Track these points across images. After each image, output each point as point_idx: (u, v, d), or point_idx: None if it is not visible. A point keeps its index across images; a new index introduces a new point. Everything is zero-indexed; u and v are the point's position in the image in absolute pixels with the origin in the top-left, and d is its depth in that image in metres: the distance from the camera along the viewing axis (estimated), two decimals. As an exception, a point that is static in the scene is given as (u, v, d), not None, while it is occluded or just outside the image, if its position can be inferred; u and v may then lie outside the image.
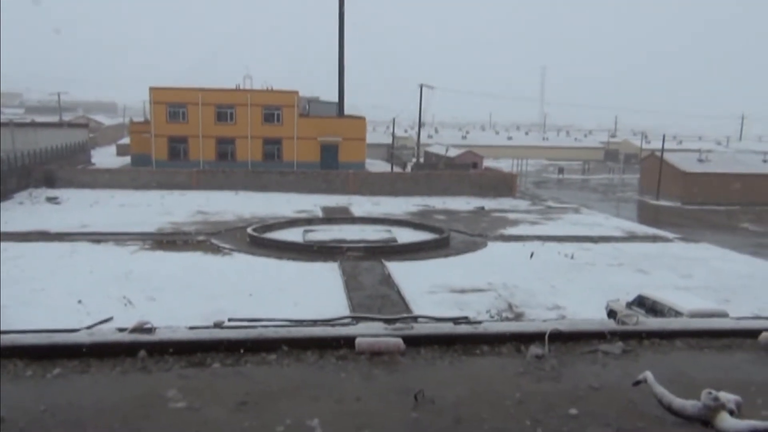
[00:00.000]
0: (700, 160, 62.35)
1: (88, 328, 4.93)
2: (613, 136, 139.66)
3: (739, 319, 6.10)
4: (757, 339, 5.08)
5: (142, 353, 4.48)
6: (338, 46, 66.14)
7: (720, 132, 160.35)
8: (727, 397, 3.67)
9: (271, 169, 58.67)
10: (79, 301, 22.00)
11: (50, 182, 52.81)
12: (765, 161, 65.58)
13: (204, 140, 61.91)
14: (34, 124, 72.05)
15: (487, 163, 75.52)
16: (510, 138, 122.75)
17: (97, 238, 33.73)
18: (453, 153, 74.00)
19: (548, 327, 4.99)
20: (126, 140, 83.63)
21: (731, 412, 3.63)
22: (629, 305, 21.53)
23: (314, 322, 5.30)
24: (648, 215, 53.59)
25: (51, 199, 47.08)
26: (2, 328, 5.10)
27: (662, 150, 63.75)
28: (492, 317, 21.80)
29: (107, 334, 4.69)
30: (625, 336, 5.09)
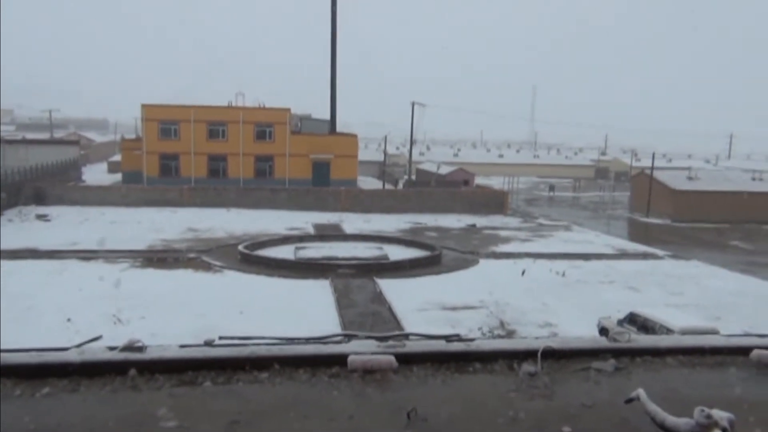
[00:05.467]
0: (690, 178, 62.81)
1: (78, 346, 4.88)
2: (604, 154, 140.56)
3: (729, 336, 6.11)
4: (748, 356, 5.09)
5: (133, 372, 4.44)
6: (330, 64, 66.52)
7: (709, 150, 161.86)
8: (720, 414, 3.67)
9: (262, 186, 58.66)
10: (68, 319, 21.82)
11: (40, 199, 52.55)
12: (754, 179, 66.17)
13: (196, 157, 61.88)
14: (24, 141, 71.81)
15: (479, 180, 75.80)
16: (501, 156, 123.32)
17: (86, 255, 33.53)
18: (444, 170, 74.21)
19: (541, 344, 4.98)
20: (117, 157, 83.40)
21: (724, 430, 3.63)
22: (621, 323, 21.55)
23: (306, 340, 5.27)
24: (638, 233, 53.83)
25: (41, 217, 46.83)
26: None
27: (652, 168, 64.21)
28: (484, 335, 21.75)
29: (97, 352, 4.64)
30: (618, 353, 5.08)
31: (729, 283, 32.61)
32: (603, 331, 21.35)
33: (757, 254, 44.33)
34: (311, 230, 45.69)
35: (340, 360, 4.66)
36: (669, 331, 19.14)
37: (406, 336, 5.49)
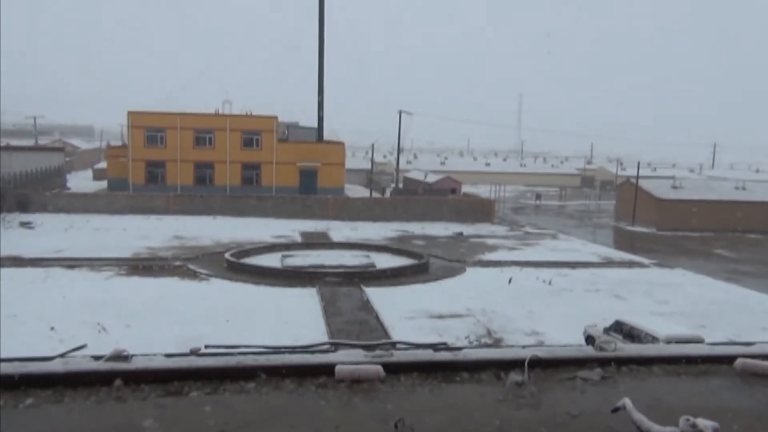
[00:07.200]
0: (674, 187, 63.34)
1: (62, 355, 4.83)
2: (589, 162, 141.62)
3: (714, 345, 6.16)
4: (732, 365, 5.13)
5: (118, 382, 4.39)
6: (318, 71, 66.57)
7: (693, 160, 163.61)
8: (705, 423, 3.69)
9: (249, 194, 58.48)
10: (52, 328, 21.59)
11: (24, 207, 52.02)
12: (737, 188, 66.84)
13: (182, 165, 61.58)
14: (8, 148, 71.11)
15: (466, 188, 75.97)
16: (488, 164, 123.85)
17: (71, 263, 33.21)
18: (431, 179, 74.35)
19: (527, 354, 5.00)
20: (103, 164, 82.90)
21: (708, 439, 3.65)
22: (607, 331, 21.65)
23: (293, 349, 5.26)
24: (624, 241, 54.15)
25: (24, 224, 46.34)
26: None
27: (637, 177, 64.70)
28: (471, 343, 21.76)
29: (82, 362, 4.59)
30: (604, 362, 5.11)
31: (713, 291, 32.87)
32: (589, 339, 21.43)
33: (740, 263, 44.75)
34: (298, 238, 45.56)
35: (327, 369, 4.65)
36: (654, 339, 19.25)
37: (394, 345, 5.49)
